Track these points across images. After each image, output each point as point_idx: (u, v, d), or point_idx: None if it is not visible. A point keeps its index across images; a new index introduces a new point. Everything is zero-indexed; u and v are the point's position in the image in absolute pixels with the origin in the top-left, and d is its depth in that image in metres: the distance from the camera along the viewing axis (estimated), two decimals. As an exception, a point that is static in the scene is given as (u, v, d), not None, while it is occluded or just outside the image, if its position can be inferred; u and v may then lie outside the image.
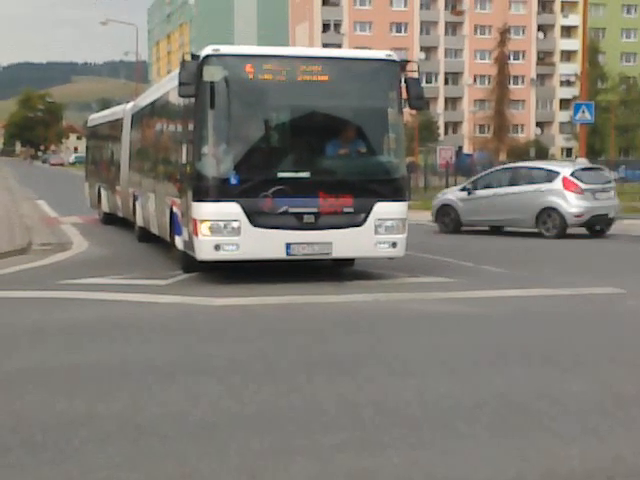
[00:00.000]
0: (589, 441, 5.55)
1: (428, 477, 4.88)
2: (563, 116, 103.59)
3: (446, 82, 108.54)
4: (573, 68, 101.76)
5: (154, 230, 17.24)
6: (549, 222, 21.58)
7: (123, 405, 6.32)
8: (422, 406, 6.34)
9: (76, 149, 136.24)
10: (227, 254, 12.54)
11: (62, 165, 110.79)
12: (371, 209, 12.86)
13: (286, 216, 12.57)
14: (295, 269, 13.60)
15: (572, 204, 21.22)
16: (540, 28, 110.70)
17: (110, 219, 24.25)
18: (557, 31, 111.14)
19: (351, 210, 12.82)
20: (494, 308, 10.97)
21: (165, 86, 16.74)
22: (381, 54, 13.61)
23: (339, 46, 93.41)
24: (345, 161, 13.24)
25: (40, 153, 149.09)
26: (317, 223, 12.68)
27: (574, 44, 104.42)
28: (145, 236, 18.68)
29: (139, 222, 19.23)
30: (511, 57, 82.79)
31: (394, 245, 13.12)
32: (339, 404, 6.37)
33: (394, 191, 13.16)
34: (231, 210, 12.40)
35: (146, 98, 19.92)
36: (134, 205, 19.79)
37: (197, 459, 5.15)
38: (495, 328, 9.71)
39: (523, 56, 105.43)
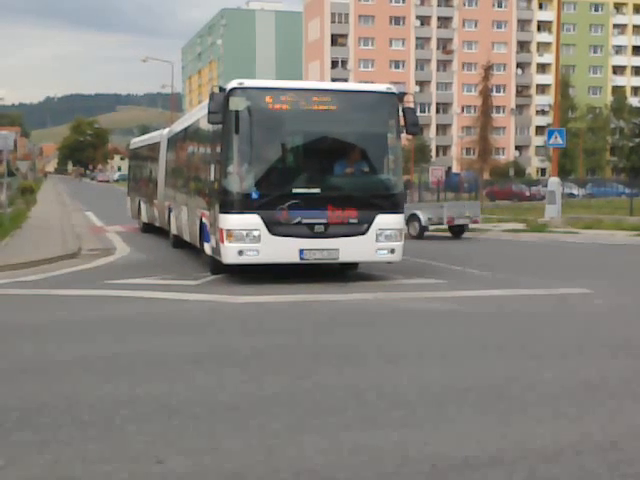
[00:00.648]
0: (559, 421, 5.54)
1: (421, 452, 4.87)
2: (538, 141, 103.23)
3: (437, 111, 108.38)
4: (547, 99, 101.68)
5: (186, 238, 17.25)
6: None
7: (159, 389, 6.33)
8: (416, 391, 6.33)
9: (119, 168, 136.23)
10: (249, 258, 12.55)
11: (107, 182, 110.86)
12: (373, 220, 12.86)
13: (300, 226, 12.57)
14: (307, 272, 13.60)
15: None
16: (519, 65, 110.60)
17: (148, 228, 24.27)
18: (533, 68, 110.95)
19: (355, 221, 12.81)
20: (479, 306, 10.95)
21: (196, 114, 16.78)
22: (382, 87, 13.60)
23: (346, 80, 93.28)
24: (351, 179, 13.23)
25: (89, 171, 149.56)
26: (326, 232, 12.67)
27: (548, 79, 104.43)
28: (178, 243, 18.70)
29: (173, 231, 19.25)
30: (494, 90, 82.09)
31: (392, 251, 13.11)
32: (344, 389, 6.37)
33: (393, 205, 13.14)
34: (252, 221, 12.41)
35: (180, 125, 19.96)
36: (169, 216, 19.83)
37: (222, 436, 5.15)
38: (480, 323, 9.68)
39: (504, 89, 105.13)
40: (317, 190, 12.76)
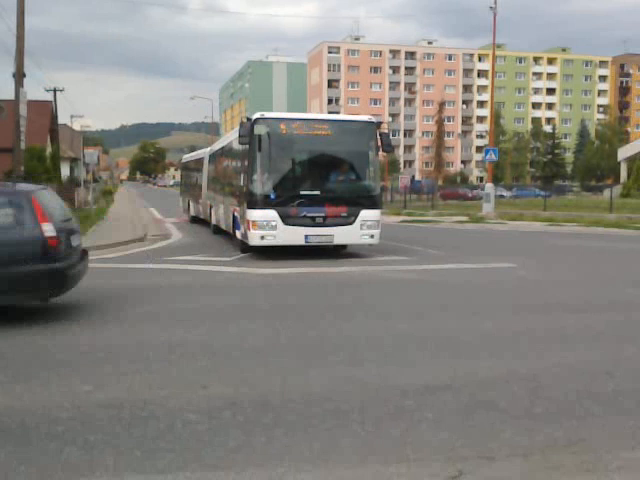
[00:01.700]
0: (493, 360, 5.54)
1: (395, 380, 4.88)
2: (478, 157, 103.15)
3: (405, 135, 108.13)
4: (484, 127, 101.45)
5: (223, 227, 17.21)
6: None
7: (204, 335, 6.33)
8: (390, 338, 6.33)
9: (174, 177, 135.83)
10: (268, 242, 12.55)
11: (165, 187, 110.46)
12: (358, 214, 12.85)
13: (305, 218, 12.56)
14: (309, 251, 13.58)
15: None
16: (464, 102, 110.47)
17: (195, 220, 24.20)
18: (474, 104, 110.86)
19: (346, 215, 12.80)
20: (436, 276, 10.91)
21: (229, 138, 16.71)
22: (365, 117, 13.55)
23: (338, 113, 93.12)
24: (342, 184, 13.17)
25: (151, 179, 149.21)
26: (324, 223, 12.66)
27: (485, 112, 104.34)
28: (217, 230, 18.64)
29: (213, 221, 19.20)
30: (446, 120, 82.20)
31: (372, 236, 13.11)
32: (339, 336, 6.37)
33: (373, 203, 13.13)
34: (270, 214, 12.40)
35: (218, 145, 19.88)
36: (210, 211, 19.78)
37: (250, 370, 5.15)
38: (436, 288, 9.66)
39: (453, 119, 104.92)
40: (318, 192, 12.73)
